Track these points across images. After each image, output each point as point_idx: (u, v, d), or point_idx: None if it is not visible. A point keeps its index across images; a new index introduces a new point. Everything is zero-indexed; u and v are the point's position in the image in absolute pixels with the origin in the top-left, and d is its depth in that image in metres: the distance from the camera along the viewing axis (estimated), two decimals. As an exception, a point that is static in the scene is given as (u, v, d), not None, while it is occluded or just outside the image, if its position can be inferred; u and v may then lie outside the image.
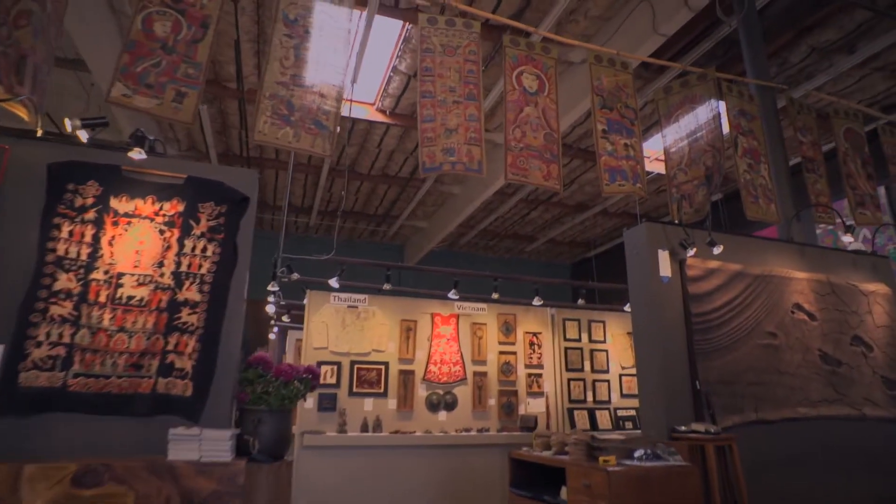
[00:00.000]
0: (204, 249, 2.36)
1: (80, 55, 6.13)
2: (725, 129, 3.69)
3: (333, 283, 5.37)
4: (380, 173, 9.37)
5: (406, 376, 5.49)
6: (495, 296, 5.78)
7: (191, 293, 2.30)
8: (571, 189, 10.02)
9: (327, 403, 5.14)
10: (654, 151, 8.93)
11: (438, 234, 10.92)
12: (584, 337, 6.35)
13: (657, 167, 9.02)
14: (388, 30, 6.12)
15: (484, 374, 5.77)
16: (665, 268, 3.16)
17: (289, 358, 7.92)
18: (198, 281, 2.31)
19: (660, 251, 3.19)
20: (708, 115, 3.46)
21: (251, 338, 10.22)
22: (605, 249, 12.76)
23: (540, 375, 6.00)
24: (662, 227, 3.28)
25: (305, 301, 5.34)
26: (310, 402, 5.11)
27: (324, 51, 2.77)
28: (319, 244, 11.67)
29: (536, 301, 5.97)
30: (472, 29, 3.11)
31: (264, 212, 10.88)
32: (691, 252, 3.15)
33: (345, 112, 7.49)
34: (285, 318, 6.83)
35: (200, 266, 2.33)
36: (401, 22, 5.99)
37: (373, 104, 7.46)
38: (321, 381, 5.20)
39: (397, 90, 6.97)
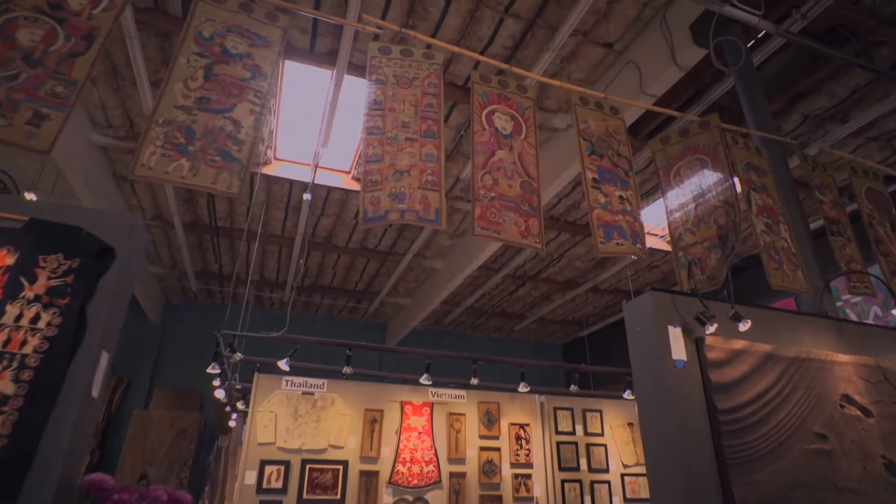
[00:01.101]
0: (34, 319, 1.64)
1: None
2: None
3: (283, 364, 4.57)
4: (358, 246, 8.76)
5: (368, 479, 4.55)
6: (474, 381, 4.98)
7: (-1, 383, 1.55)
8: (560, 265, 9.43)
9: (269, 515, 4.19)
10: (648, 226, 8.44)
11: (421, 312, 10.16)
12: (579, 429, 5.46)
13: (652, 242, 8.50)
14: (361, 91, 5.73)
15: (462, 474, 4.83)
16: (679, 349, 2.44)
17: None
18: (14, 365, 1.57)
19: (670, 328, 2.48)
20: (716, 166, 2.88)
21: (216, 425, 9.15)
22: (598, 329, 11.99)
23: (529, 476, 5.06)
24: (671, 298, 2.59)
25: (252, 385, 4.50)
26: (247, 513, 4.15)
27: (242, 70, 2.18)
28: (295, 323, 10.85)
29: (522, 387, 5.15)
30: (434, 60, 2.58)
31: (237, 287, 10.14)
32: (711, 328, 2.44)
33: (320, 180, 7.05)
34: (241, 405, 5.91)
35: (23, 343, 1.60)
36: (375, 84, 5.62)
37: (348, 172, 6.97)
38: (264, 486, 4.26)
39: (373, 157, 6.47)
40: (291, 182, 6.88)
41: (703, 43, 4.40)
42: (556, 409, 5.41)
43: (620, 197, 2.78)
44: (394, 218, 2.19)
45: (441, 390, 5.07)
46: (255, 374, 4.57)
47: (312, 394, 4.62)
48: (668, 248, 8.67)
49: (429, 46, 2.71)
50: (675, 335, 2.48)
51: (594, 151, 2.78)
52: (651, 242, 8.49)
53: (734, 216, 2.74)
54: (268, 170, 6.68)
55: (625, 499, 5.30)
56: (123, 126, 6.05)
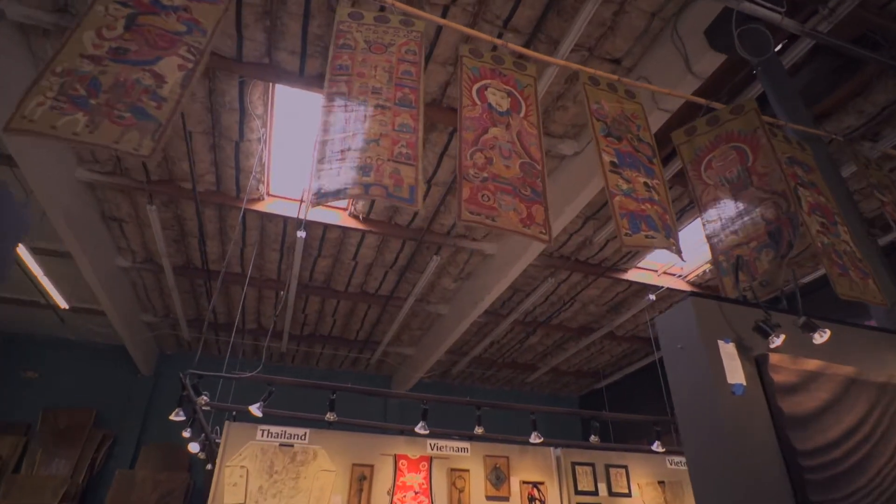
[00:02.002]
0: None
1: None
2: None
3: (256, 410, 3.93)
4: (358, 290, 8.22)
5: (354, 549, 3.81)
6: (479, 430, 4.28)
7: None
8: (573, 309, 8.78)
9: None
10: (662, 265, 7.85)
11: (427, 362, 9.46)
12: (602, 488, 4.68)
13: (670, 282, 7.87)
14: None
15: (466, 544, 4.07)
16: (735, 371, 1.83)
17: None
18: None
19: (721, 344, 1.89)
20: (756, 153, 2.36)
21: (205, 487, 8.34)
22: (616, 380, 11.13)
23: (545, 546, 4.26)
24: (719, 307, 2.00)
25: (221, 437, 3.86)
26: (206, 593, 3.41)
27: (175, 23, 1.74)
28: (294, 374, 10.17)
29: (535, 437, 4.43)
30: (413, 28, 2.15)
31: (236, 336, 9.55)
32: (777, 340, 1.84)
33: (315, 217, 6.62)
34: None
35: None
36: (370, 110, 5.28)
37: (345, 209, 6.54)
38: (228, 559, 3.54)
39: (371, 191, 6.05)
40: (286, 219, 6.45)
41: (720, 47, 4.00)
42: (574, 464, 4.66)
43: (646, 184, 2.25)
44: (355, 193, 1.68)
45: (441, 442, 4.37)
46: (226, 422, 3.94)
47: (292, 446, 3.96)
48: (689, 289, 8.02)
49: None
50: (729, 353, 1.88)
51: (610, 133, 2.29)
52: (669, 282, 7.87)
53: (788, 206, 2.19)
54: (261, 206, 6.27)
55: (660, 574, 4.45)
56: (110, 161, 5.71)
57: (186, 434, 4.29)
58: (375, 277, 7.85)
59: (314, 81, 4.80)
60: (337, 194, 1.67)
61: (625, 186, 2.16)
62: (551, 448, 4.68)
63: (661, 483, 4.84)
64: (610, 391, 11.24)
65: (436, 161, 5.63)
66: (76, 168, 5.81)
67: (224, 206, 6.33)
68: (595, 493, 4.59)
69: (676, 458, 5.05)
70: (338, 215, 6.54)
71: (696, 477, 1.78)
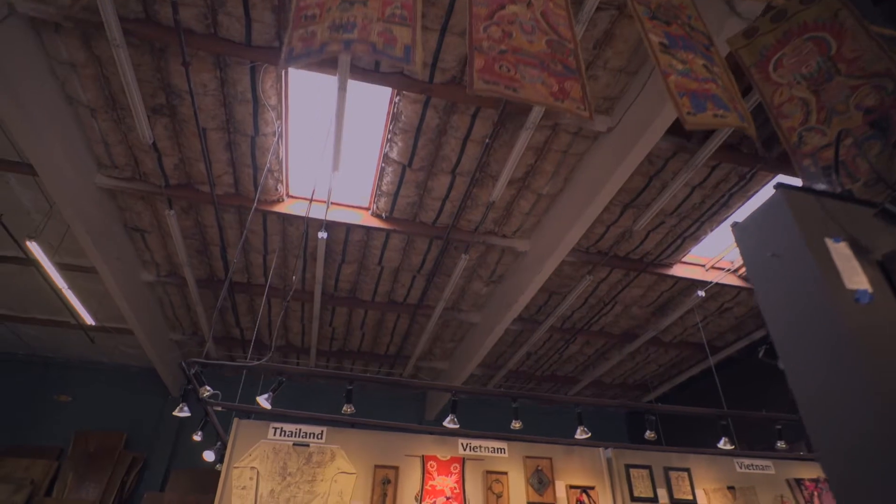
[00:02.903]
0: None
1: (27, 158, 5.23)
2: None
3: (264, 401, 3.53)
4: (385, 300, 7.84)
5: (378, 562, 3.30)
6: (516, 424, 3.75)
7: None
8: (614, 313, 8.16)
9: None
10: (710, 259, 7.20)
11: (460, 376, 8.91)
12: (662, 494, 4.04)
13: (719, 277, 7.20)
14: (371, 106, 5.10)
15: (507, 557, 3.50)
16: (854, 275, 1.34)
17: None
18: None
19: (829, 243, 1.40)
20: (842, 37, 1.89)
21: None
22: (666, 392, 10.30)
23: (599, 560, 3.65)
24: (818, 202, 1.52)
25: (230, 434, 3.47)
26: None
27: None
28: (324, 393, 9.78)
29: (581, 433, 3.85)
30: None
31: (261, 353, 9.26)
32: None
33: (337, 217, 6.31)
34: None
35: None
36: (386, 94, 4.98)
37: (367, 208, 6.23)
38: (235, 573, 3.09)
39: (392, 185, 5.74)
40: (307, 221, 6.16)
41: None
42: (628, 467, 4.05)
43: (705, 66, 1.80)
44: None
45: (475, 441, 3.85)
46: (235, 420, 3.55)
47: (307, 445, 3.53)
48: (742, 284, 7.33)
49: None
50: (842, 254, 1.39)
51: (655, 16, 1.86)
52: (719, 277, 7.20)
53: (895, 87, 1.70)
54: (280, 208, 6.02)
55: None
56: (128, 165, 5.58)
57: (198, 437, 3.92)
58: (403, 284, 7.46)
59: (327, 63, 4.55)
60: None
61: (680, 67, 1.73)
62: (600, 448, 4.10)
63: (730, 489, 4.17)
64: (662, 404, 10.39)
65: (459, 148, 5.27)
66: (95, 174, 5.69)
67: (244, 209, 6.09)
68: (654, 499, 3.96)
69: (746, 461, 4.38)
70: (360, 215, 6.23)
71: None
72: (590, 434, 4.00)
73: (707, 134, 5.13)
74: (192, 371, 3.36)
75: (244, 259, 7.02)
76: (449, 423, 3.74)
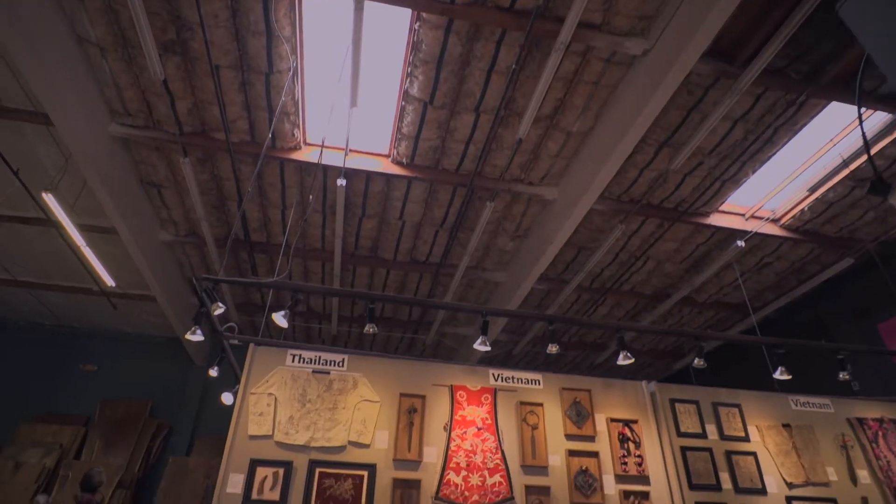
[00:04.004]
0: None
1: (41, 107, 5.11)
2: None
3: (280, 318, 3.29)
4: (407, 258, 7.58)
5: (406, 491, 3.04)
6: (553, 348, 3.46)
7: None
8: (646, 270, 7.78)
9: (258, 539, 2.75)
10: (749, 207, 6.74)
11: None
12: (712, 430, 3.70)
13: (757, 226, 6.75)
14: (390, 35, 4.80)
15: (545, 489, 3.21)
16: None
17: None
18: None
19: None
20: None
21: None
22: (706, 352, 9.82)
23: (646, 495, 3.34)
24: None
25: (246, 360, 3.24)
26: (227, 535, 2.75)
27: None
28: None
29: (623, 358, 3.53)
30: None
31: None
32: None
33: (356, 164, 6.05)
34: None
35: None
36: (406, 21, 4.67)
37: (387, 155, 5.96)
38: (254, 496, 2.87)
39: (412, 127, 5.45)
40: (325, 169, 5.92)
41: None
42: (673, 401, 3.72)
43: None
44: None
45: (507, 372, 3.57)
46: (251, 346, 3.33)
47: (327, 373, 3.28)
48: (785, 234, 6.88)
49: None
50: None
51: None
52: (759, 227, 6.75)
53: None
54: (298, 155, 5.79)
55: (798, 536, 3.41)
56: (141, 112, 5.39)
57: (213, 373, 3.71)
58: (425, 241, 7.19)
59: (342, -17, 4.26)
60: None
61: None
62: (643, 382, 3.78)
63: (786, 426, 3.81)
64: (695, 371, 9.97)
65: (483, 81, 4.95)
66: (109, 123, 5.52)
67: (261, 163, 5.87)
68: (703, 435, 3.63)
69: (802, 399, 4.01)
70: (379, 162, 5.96)
71: None
72: (633, 360, 3.69)
73: (751, 56, 4.72)
74: (205, 287, 3.14)
75: (262, 216, 6.82)
76: (480, 345, 3.46)
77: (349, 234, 7.05)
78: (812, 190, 6.10)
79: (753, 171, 6.00)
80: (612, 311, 8.85)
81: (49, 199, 5.82)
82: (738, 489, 3.49)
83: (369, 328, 3.38)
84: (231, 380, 4.14)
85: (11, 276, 8.33)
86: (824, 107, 5.16)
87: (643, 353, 10.09)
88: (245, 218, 6.80)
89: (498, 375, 3.53)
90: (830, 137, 5.56)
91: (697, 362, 3.83)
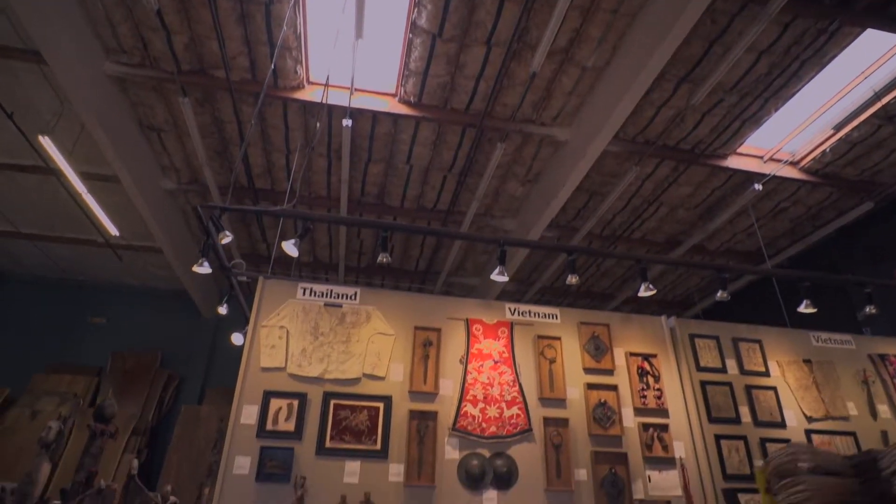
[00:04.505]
0: None
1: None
2: None
3: (290, 247, 3.19)
4: (414, 206, 7.42)
5: (423, 422, 3.00)
6: (573, 279, 3.36)
7: None
8: (658, 216, 7.60)
9: (275, 466, 2.72)
10: (768, 150, 6.51)
11: (492, 292, 8.56)
12: (731, 365, 3.64)
13: (775, 168, 6.54)
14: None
15: (563, 422, 3.17)
16: None
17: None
18: None
19: None
20: None
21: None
22: (709, 306, 9.80)
23: (665, 428, 3.29)
24: None
25: (256, 294, 3.15)
26: (244, 461, 2.72)
27: None
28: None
29: (644, 290, 3.44)
30: None
31: (289, 271, 9.04)
32: None
33: (362, 104, 5.82)
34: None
35: None
36: (413, -58, 4.37)
37: (394, 94, 5.72)
38: (269, 427, 2.83)
39: (420, 62, 5.19)
40: (330, 109, 5.70)
41: None
42: (693, 336, 3.64)
43: None
44: None
45: (524, 306, 3.48)
46: (260, 279, 3.23)
47: (340, 306, 3.20)
48: (803, 177, 6.67)
49: None
50: None
51: None
52: (777, 170, 6.53)
53: None
54: (302, 94, 5.56)
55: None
56: (137, 49, 5.14)
57: (223, 310, 3.63)
58: (433, 186, 7.01)
59: None
60: None
61: None
62: (662, 317, 3.69)
63: (807, 362, 3.74)
64: (709, 317, 9.94)
65: (495, 10, 4.67)
66: (104, 62, 5.28)
67: (262, 101, 5.64)
68: (723, 370, 3.56)
69: (824, 335, 3.93)
70: (386, 102, 5.72)
71: None
72: (654, 291, 3.60)
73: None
74: (210, 216, 3.01)
75: (265, 161, 6.64)
76: (497, 275, 3.36)
77: (355, 179, 6.87)
78: (838, 128, 5.85)
79: (776, 109, 5.75)
80: (620, 260, 8.73)
81: (46, 142, 5.64)
82: (757, 422, 3.44)
83: (383, 258, 3.27)
84: (241, 321, 4.08)
85: (15, 228, 8.23)
86: (857, 35, 4.87)
87: (653, 302, 10.03)
88: (248, 164, 6.63)
89: (514, 309, 3.44)
90: (861, 70, 5.28)
91: (721, 294, 3.73)
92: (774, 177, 6.57)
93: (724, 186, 6.96)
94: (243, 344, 3.22)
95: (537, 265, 8.77)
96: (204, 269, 3.14)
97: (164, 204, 7.21)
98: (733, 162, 6.49)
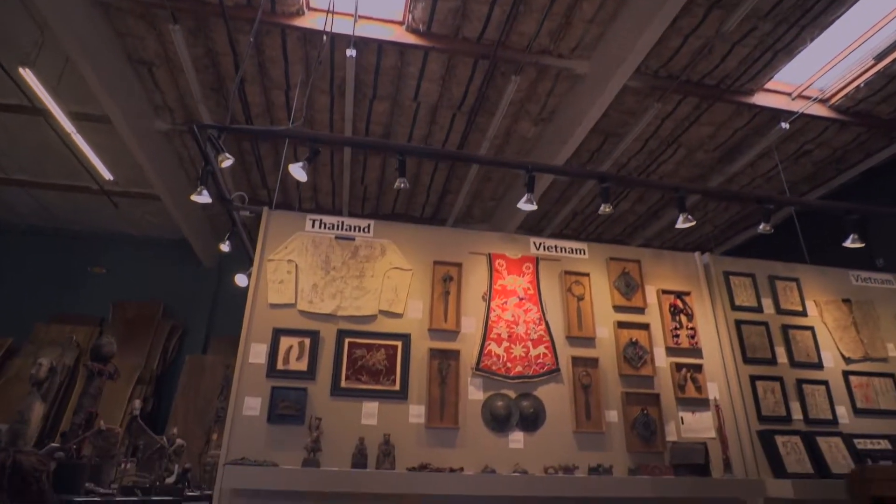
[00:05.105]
0: None
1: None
2: None
3: (297, 170, 2.90)
4: (423, 144, 7.06)
5: (444, 361, 2.79)
6: (607, 208, 3.08)
7: None
8: (675, 159, 7.24)
9: (288, 407, 2.53)
10: (797, 86, 6.10)
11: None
12: (768, 304, 3.42)
13: (803, 106, 6.15)
14: None
15: (592, 361, 2.97)
16: None
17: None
18: None
19: None
20: None
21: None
22: (725, 253, 9.54)
23: (698, 368, 3.10)
24: None
25: (261, 226, 2.88)
26: (254, 402, 2.52)
27: None
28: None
29: (682, 222, 3.18)
30: None
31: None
32: None
33: (366, 33, 5.37)
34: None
35: None
36: None
37: (401, 23, 5.28)
38: (279, 366, 2.62)
39: (430, -16, 4.73)
40: (332, 39, 5.26)
41: None
42: (727, 274, 3.41)
43: None
44: None
45: (549, 241, 3.23)
46: (265, 210, 2.96)
47: (352, 239, 2.94)
48: (833, 115, 6.29)
49: None
50: None
51: None
52: (806, 107, 6.15)
53: None
54: (302, 22, 5.12)
55: (854, 408, 3.21)
56: (120, -32, 4.69)
57: (225, 248, 3.38)
58: (441, 126, 6.63)
59: None
60: None
61: None
62: (696, 253, 3.45)
63: (846, 301, 3.52)
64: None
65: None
66: (85, -17, 4.82)
67: (258, 31, 5.20)
68: (758, 309, 3.35)
69: (864, 274, 3.69)
70: (392, 30, 5.29)
71: None
72: (694, 222, 3.33)
73: None
74: (207, 137, 2.69)
75: (264, 99, 6.24)
76: (525, 203, 3.09)
77: (359, 118, 6.49)
78: (879, 58, 5.44)
79: (811, 39, 5.32)
80: (633, 206, 8.45)
81: (28, 76, 5.24)
82: (793, 363, 3.25)
83: (400, 183, 2.98)
84: (244, 263, 3.82)
85: (5, 174, 7.89)
86: (912, -51, 4.41)
87: (665, 249, 9.78)
88: (246, 102, 6.23)
89: (539, 244, 3.18)
90: (908, -7, 4.83)
91: (764, 227, 3.47)
92: (801, 116, 6.19)
93: (747, 127, 6.59)
94: (248, 286, 2.98)
95: (547, 211, 8.48)
96: (203, 197, 2.86)
97: (159, 146, 6.85)
98: (760, 99, 6.10)
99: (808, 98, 6.20)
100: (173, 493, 2.42)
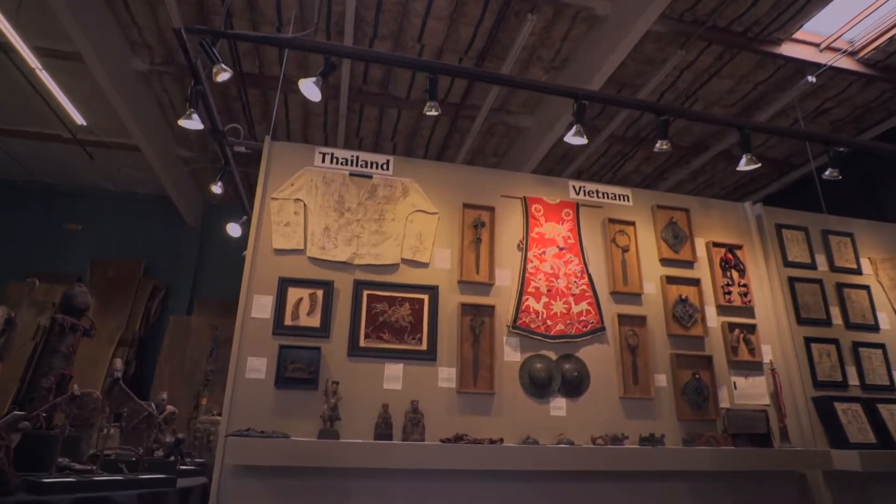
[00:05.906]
0: None
1: None
2: None
3: (310, 86, 2.44)
4: (423, 95, 6.52)
5: (476, 318, 2.42)
6: (664, 145, 2.70)
7: None
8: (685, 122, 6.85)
9: (299, 370, 2.14)
10: (826, 37, 5.69)
11: (503, 198, 7.87)
12: (821, 260, 3.10)
13: (831, 58, 5.76)
14: None
15: (640, 320, 2.63)
16: None
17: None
18: None
19: None
20: None
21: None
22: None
23: (752, 329, 2.78)
24: None
25: (262, 158, 2.43)
26: (259, 363, 2.14)
27: None
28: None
29: (745, 163, 2.81)
30: None
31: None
32: None
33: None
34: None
35: None
36: None
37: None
38: (288, 321, 2.22)
39: None
40: (329, -35, 4.68)
41: None
42: (779, 227, 3.08)
43: None
44: None
45: (590, 185, 2.84)
46: (267, 140, 2.50)
47: (370, 177, 2.51)
48: (861, 69, 5.91)
49: None
50: None
51: None
52: (834, 59, 5.76)
53: None
54: (296, -55, 4.53)
55: (913, 375, 2.95)
56: None
57: (217, 189, 2.92)
58: (443, 77, 6.10)
59: None
60: None
61: None
62: (747, 203, 3.10)
63: (902, 258, 3.22)
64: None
65: None
66: None
67: (248, -50, 4.59)
68: (812, 265, 3.04)
69: (919, 230, 3.38)
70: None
71: None
72: (759, 164, 2.97)
73: None
74: (200, 42, 2.19)
75: (252, 31, 5.63)
76: (573, 136, 2.68)
77: (357, 63, 5.94)
78: (923, 1, 5.03)
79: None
80: (639, 166, 8.09)
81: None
82: (848, 325, 2.96)
83: (430, 107, 2.54)
84: (236, 213, 3.36)
85: (-35, 120, 7.18)
86: None
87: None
88: (234, 43, 5.62)
89: (580, 188, 2.79)
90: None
91: (831, 173, 3.12)
92: (827, 70, 5.80)
93: (770, 80, 6.19)
94: (240, 237, 2.55)
95: (551, 170, 8.06)
96: (193, 122, 2.39)
97: (136, 89, 6.23)
98: (787, 49, 5.68)
99: (836, 50, 5.81)
100: (165, 468, 2.05)
